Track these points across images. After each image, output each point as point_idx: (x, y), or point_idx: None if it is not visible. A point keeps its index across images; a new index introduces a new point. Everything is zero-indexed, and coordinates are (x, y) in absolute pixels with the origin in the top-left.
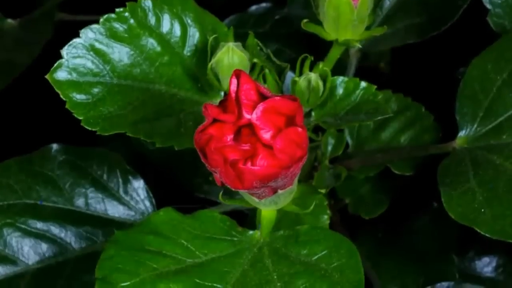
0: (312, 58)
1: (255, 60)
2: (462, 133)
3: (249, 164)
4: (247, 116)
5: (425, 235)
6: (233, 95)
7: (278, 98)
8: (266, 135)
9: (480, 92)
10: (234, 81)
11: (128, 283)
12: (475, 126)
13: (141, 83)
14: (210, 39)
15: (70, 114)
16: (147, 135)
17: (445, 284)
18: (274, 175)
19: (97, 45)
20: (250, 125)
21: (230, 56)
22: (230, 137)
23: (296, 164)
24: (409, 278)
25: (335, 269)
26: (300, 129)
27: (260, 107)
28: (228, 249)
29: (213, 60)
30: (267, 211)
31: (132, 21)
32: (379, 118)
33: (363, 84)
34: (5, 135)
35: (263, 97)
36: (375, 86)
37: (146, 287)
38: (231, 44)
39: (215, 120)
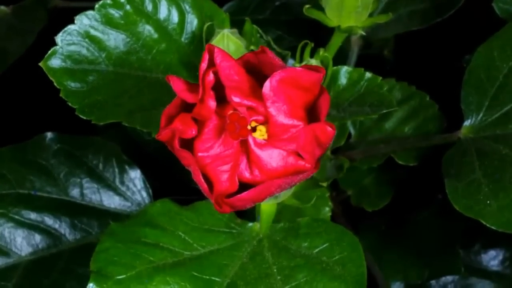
0: (313, 45)
1: (252, 47)
2: (467, 123)
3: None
4: (235, 99)
5: (429, 228)
6: (204, 75)
7: (300, 69)
8: (279, 112)
9: (486, 81)
10: (206, 57)
11: (124, 276)
12: (481, 115)
13: (138, 71)
14: (205, 26)
15: (65, 102)
16: (143, 125)
17: (450, 278)
18: (274, 188)
19: (92, 32)
20: (237, 116)
21: (226, 43)
22: (208, 144)
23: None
24: (413, 271)
25: (336, 263)
26: (329, 128)
27: (277, 76)
28: (227, 242)
29: None
30: (267, 205)
31: (128, 7)
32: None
33: (368, 74)
34: None
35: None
36: (380, 77)
37: (143, 280)
38: (226, 31)
39: (184, 106)
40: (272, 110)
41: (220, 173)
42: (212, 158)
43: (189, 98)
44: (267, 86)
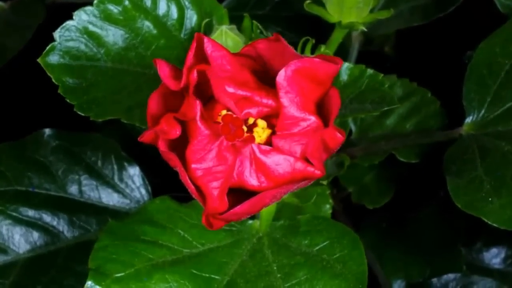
0: (314, 41)
1: None
2: (469, 119)
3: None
4: (229, 89)
5: (431, 225)
6: (189, 71)
7: (317, 60)
8: (291, 104)
9: (487, 77)
10: (194, 45)
11: (123, 274)
12: (483, 112)
13: (137, 67)
14: (203, 22)
15: (64, 99)
16: (142, 121)
17: (451, 276)
18: (276, 196)
19: (90, 27)
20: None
21: (224, 40)
22: (200, 155)
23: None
24: (414, 269)
25: (337, 260)
26: (338, 134)
27: (293, 65)
28: (227, 239)
29: None
30: None
31: (127, 2)
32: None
33: (370, 71)
34: None
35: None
36: (382, 74)
37: (141, 278)
38: (224, 27)
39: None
40: (284, 100)
41: (211, 189)
42: (204, 172)
43: (173, 85)
44: (281, 75)
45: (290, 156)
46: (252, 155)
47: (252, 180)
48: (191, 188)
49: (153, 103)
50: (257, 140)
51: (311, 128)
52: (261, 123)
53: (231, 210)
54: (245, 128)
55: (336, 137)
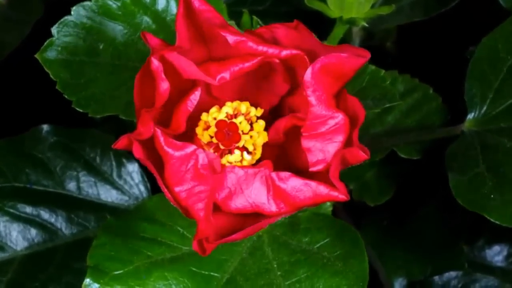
0: None
1: None
2: (471, 116)
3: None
4: (225, 34)
5: (432, 223)
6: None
7: (345, 55)
8: (319, 102)
9: (490, 73)
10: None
11: (121, 271)
12: (485, 108)
13: (135, 62)
14: None
15: (62, 95)
16: None
17: (453, 273)
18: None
19: (89, 23)
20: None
21: None
22: (178, 176)
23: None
24: (415, 267)
25: (338, 258)
26: (362, 154)
27: (321, 62)
28: None
29: None
30: None
31: None
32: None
33: (371, 67)
34: None
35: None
36: (383, 70)
37: (140, 276)
38: None
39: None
40: (312, 99)
41: (198, 211)
42: (187, 193)
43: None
44: (308, 73)
45: (311, 181)
46: (270, 183)
47: (271, 206)
48: (168, 196)
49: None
50: (250, 144)
51: (339, 126)
52: (258, 126)
53: (231, 237)
54: (241, 132)
55: (359, 156)
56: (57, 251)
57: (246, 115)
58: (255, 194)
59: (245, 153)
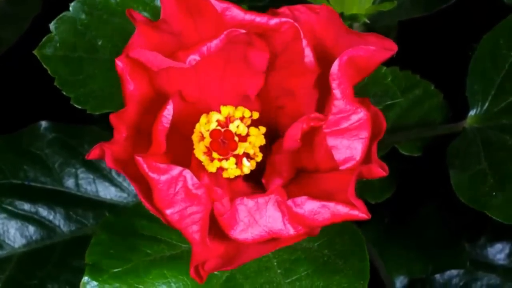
0: None
1: None
2: (472, 112)
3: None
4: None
5: (434, 221)
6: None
7: (373, 48)
8: (343, 96)
9: (491, 69)
10: None
11: (120, 269)
12: (487, 104)
13: None
14: None
15: (60, 91)
16: None
17: (455, 272)
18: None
19: (88, 18)
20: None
21: None
22: (167, 197)
23: None
24: (417, 265)
25: (338, 256)
26: (381, 171)
27: (346, 56)
28: None
29: None
30: None
31: None
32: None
33: None
34: None
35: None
36: (385, 67)
37: (139, 274)
38: None
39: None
40: (337, 92)
41: (192, 234)
42: (180, 215)
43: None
44: (336, 65)
45: (328, 202)
46: (284, 208)
47: (288, 231)
48: (151, 210)
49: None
50: (251, 150)
51: (362, 121)
52: (254, 131)
53: (242, 261)
54: (237, 138)
55: (378, 174)
56: (55, 249)
57: (241, 119)
58: (271, 222)
59: (244, 159)
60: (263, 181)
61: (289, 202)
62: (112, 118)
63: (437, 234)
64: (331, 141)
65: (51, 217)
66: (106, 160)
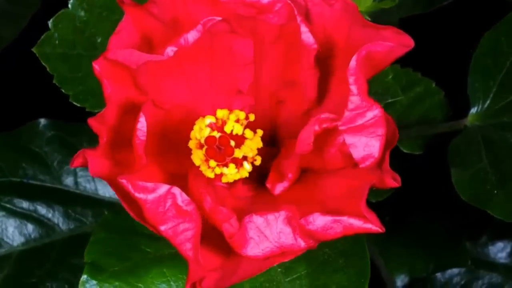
0: None
1: None
2: (473, 110)
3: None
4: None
5: (435, 219)
6: None
7: (391, 44)
8: (359, 92)
9: (493, 67)
10: None
11: (119, 268)
12: (488, 102)
13: None
14: None
15: (59, 89)
16: None
17: (456, 270)
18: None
19: (87, 16)
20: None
21: None
22: (159, 210)
23: None
24: (418, 264)
25: (339, 255)
26: (393, 182)
27: (364, 50)
28: None
29: None
30: None
31: None
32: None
33: None
34: None
35: None
36: None
37: (139, 272)
38: None
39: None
40: (354, 88)
41: (186, 251)
42: (173, 232)
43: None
44: (354, 60)
45: (341, 217)
46: (295, 224)
47: (300, 244)
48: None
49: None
50: (249, 153)
51: (378, 118)
52: (250, 133)
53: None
54: (233, 143)
55: (390, 185)
56: (54, 247)
57: (236, 122)
58: (281, 237)
59: (245, 163)
60: (268, 185)
61: (302, 220)
62: (92, 122)
63: (438, 232)
64: (349, 139)
65: (50, 215)
66: (89, 169)
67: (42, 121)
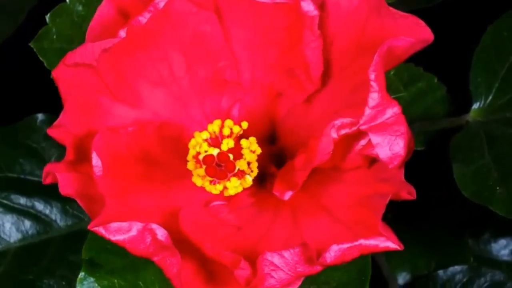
0: None
1: None
2: (476, 105)
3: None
4: None
5: (437, 216)
6: None
7: (412, 40)
8: (380, 88)
9: (495, 61)
10: None
11: (118, 264)
12: (490, 97)
13: None
14: None
15: None
16: None
17: (458, 268)
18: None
19: (85, 10)
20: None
21: None
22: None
23: None
24: (420, 261)
25: None
26: (407, 195)
27: (386, 45)
28: None
29: None
30: None
31: None
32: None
33: None
34: None
35: None
36: None
37: (137, 269)
38: None
39: None
40: (375, 84)
41: (177, 286)
42: (161, 263)
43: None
44: (377, 56)
45: (358, 240)
46: (314, 257)
47: (316, 268)
48: None
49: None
50: (248, 157)
51: (397, 115)
52: (246, 143)
53: None
54: (231, 156)
55: (405, 198)
56: (51, 243)
57: (230, 135)
58: (297, 268)
59: (247, 176)
60: (276, 193)
61: (321, 259)
62: (52, 133)
63: (440, 229)
64: (375, 139)
65: (47, 211)
66: (60, 186)
67: (40, 116)
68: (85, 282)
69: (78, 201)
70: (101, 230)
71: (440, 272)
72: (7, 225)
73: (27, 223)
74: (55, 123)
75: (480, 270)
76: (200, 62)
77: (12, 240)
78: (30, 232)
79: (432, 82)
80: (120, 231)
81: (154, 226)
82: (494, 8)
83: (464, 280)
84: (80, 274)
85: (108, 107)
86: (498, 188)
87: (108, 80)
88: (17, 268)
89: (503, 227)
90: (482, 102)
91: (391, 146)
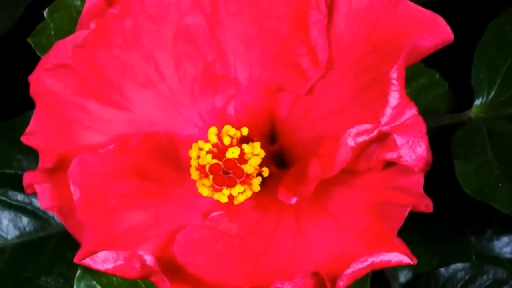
0: None
1: None
2: (478, 101)
3: None
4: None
5: (438, 213)
6: None
7: (433, 42)
8: (401, 89)
9: (497, 57)
10: None
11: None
12: (492, 93)
13: None
14: None
15: None
16: None
17: (460, 265)
18: None
19: (83, 5)
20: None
21: None
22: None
23: None
24: (422, 259)
25: None
26: (425, 208)
27: (409, 46)
28: None
29: None
30: None
31: None
32: None
33: None
34: None
35: None
36: None
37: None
38: None
39: None
40: (396, 83)
41: None
42: (157, 283)
43: None
44: (402, 56)
45: (371, 257)
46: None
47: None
48: None
49: None
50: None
51: (415, 115)
52: (248, 147)
53: None
54: (237, 162)
55: (422, 209)
56: (49, 240)
57: (232, 140)
58: None
59: (254, 180)
60: (282, 198)
61: (345, 275)
62: (26, 140)
63: (442, 227)
64: (399, 140)
65: None
66: (39, 198)
67: None
68: (83, 280)
69: (58, 217)
70: (88, 262)
71: (442, 269)
72: (5, 222)
73: (25, 220)
74: (27, 130)
75: (482, 267)
76: (187, 59)
77: (9, 237)
78: (27, 229)
79: (434, 78)
80: (107, 261)
81: (141, 252)
82: (497, 3)
83: (466, 278)
84: (78, 271)
85: (95, 111)
86: (500, 185)
87: (89, 81)
88: (15, 265)
89: (505, 225)
90: (484, 98)
91: (414, 148)
